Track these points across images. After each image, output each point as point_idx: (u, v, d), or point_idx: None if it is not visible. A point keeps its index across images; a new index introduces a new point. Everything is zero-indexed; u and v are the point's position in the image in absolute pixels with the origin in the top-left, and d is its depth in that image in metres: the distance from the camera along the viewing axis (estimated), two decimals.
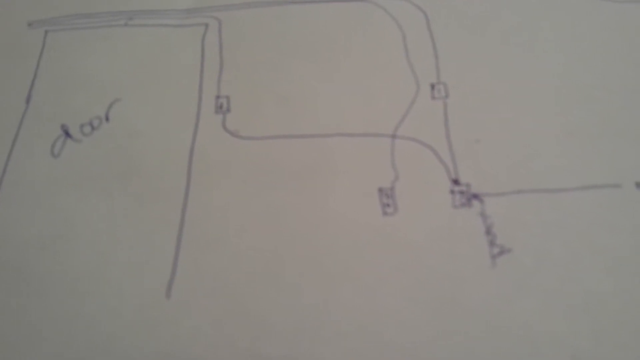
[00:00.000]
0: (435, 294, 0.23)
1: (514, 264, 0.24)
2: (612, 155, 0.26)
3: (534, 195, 0.25)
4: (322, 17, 0.31)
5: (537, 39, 0.30)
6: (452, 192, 0.26)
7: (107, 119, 0.29)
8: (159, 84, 0.30)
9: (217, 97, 0.29)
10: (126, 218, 0.26)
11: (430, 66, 0.29)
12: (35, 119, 0.29)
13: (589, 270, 0.23)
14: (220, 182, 0.27)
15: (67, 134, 0.29)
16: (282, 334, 0.23)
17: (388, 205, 0.25)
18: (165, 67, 0.30)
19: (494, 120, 0.27)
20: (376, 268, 0.24)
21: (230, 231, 0.25)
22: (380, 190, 0.26)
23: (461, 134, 0.27)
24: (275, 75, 0.30)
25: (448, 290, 0.23)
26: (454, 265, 0.24)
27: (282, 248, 0.25)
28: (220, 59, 0.30)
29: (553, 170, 0.26)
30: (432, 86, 0.28)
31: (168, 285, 0.24)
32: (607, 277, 0.23)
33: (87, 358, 0.23)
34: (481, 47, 0.29)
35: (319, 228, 0.25)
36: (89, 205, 0.26)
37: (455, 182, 0.26)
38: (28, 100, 0.30)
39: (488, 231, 0.24)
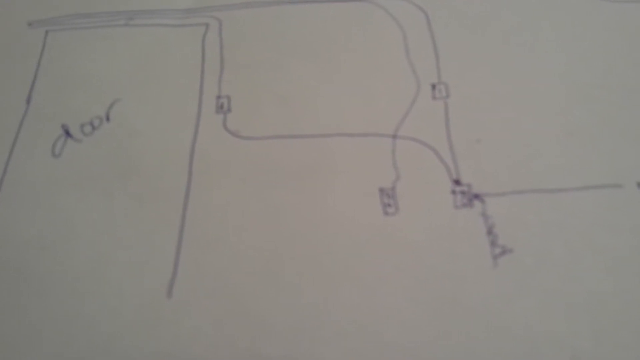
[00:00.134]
0: (436, 294, 0.23)
1: (515, 264, 0.24)
2: (613, 155, 0.26)
3: (535, 195, 0.25)
4: (322, 17, 0.31)
5: (537, 39, 0.30)
6: (453, 192, 0.26)
7: (107, 118, 0.29)
8: (160, 83, 0.30)
9: (218, 97, 0.29)
10: (126, 218, 0.26)
11: (431, 66, 0.29)
12: (35, 119, 0.29)
13: (590, 270, 0.23)
14: (220, 182, 0.27)
15: (67, 133, 0.29)
16: (282, 334, 0.23)
17: (389, 205, 0.25)
18: (166, 67, 0.30)
19: (495, 120, 0.27)
20: (377, 268, 0.24)
21: (230, 231, 0.25)
22: (382, 190, 0.26)
23: (462, 134, 0.27)
24: (275, 75, 0.30)
25: (449, 291, 0.23)
26: (455, 266, 0.24)
27: (282, 248, 0.25)
28: (220, 59, 0.30)
29: (554, 170, 0.26)
30: (433, 86, 0.28)
31: (169, 285, 0.24)
32: (608, 277, 0.23)
33: (87, 358, 0.23)
34: (482, 47, 0.29)
35: (319, 228, 0.25)
36: (89, 205, 0.26)
37: (457, 182, 0.26)
38: (28, 100, 0.30)
39: (489, 231, 0.24)
